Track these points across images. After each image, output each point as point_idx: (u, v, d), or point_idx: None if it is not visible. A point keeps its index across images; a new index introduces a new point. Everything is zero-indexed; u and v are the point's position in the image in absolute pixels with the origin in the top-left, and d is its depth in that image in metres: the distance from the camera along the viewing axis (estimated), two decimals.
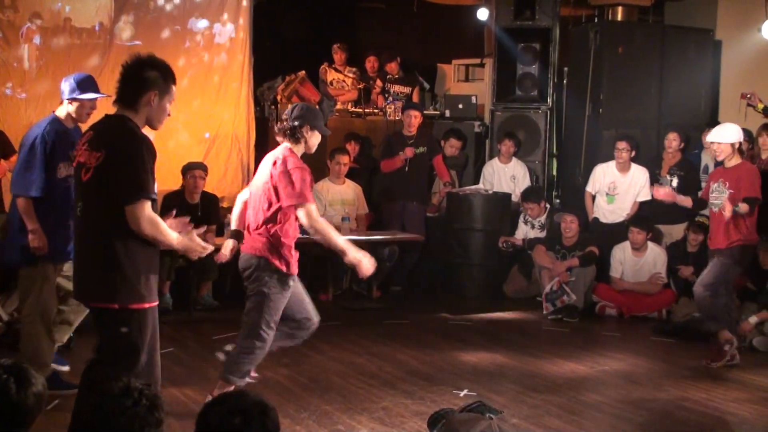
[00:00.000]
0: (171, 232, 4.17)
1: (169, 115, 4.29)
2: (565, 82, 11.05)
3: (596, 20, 10.94)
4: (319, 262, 9.23)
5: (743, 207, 6.83)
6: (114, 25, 9.37)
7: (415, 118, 9.74)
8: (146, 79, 4.15)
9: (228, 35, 10.08)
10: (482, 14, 11.48)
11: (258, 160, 10.39)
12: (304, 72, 11.19)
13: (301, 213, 5.39)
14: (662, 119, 10.08)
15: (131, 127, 4.13)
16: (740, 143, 7.11)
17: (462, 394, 6.16)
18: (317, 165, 9.77)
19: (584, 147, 10.18)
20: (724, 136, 7.04)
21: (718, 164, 7.42)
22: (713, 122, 9.94)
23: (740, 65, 10.51)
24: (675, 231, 9.25)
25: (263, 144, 10.58)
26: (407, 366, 6.93)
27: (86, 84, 5.78)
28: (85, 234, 4.21)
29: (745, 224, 6.98)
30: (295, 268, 5.54)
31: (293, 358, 7.01)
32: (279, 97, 11.03)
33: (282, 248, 5.44)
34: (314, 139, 5.56)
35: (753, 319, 7.79)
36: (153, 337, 4.23)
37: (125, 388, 2.74)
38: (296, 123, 5.46)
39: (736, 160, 7.05)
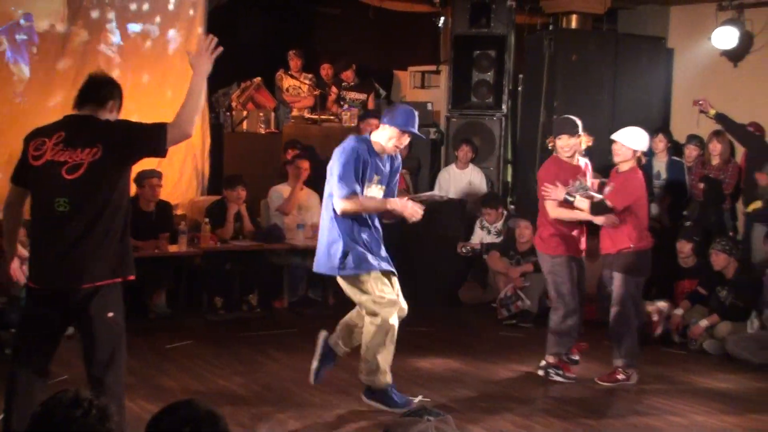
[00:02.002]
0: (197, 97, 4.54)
1: None
2: (520, 89, 11.11)
3: (551, 28, 11.01)
4: (275, 269, 9.21)
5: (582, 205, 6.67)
6: (69, 29, 9.28)
7: (374, 127, 9.70)
8: (114, 89, 4.57)
9: (181, 41, 10.02)
10: (438, 21, 11.52)
11: (212, 167, 10.45)
12: (259, 78, 11.17)
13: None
14: (615, 126, 10.00)
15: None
16: (642, 153, 6.83)
17: (416, 400, 6.16)
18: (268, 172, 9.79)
19: (538, 153, 10.23)
20: (630, 140, 6.73)
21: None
22: (665, 129, 10.08)
23: (692, 73, 10.64)
24: None
25: (218, 151, 10.54)
26: None
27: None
28: (78, 226, 4.36)
29: (626, 231, 6.73)
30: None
31: (248, 366, 6.99)
32: (234, 104, 11.00)
33: None
34: None
35: (703, 323, 7.88)
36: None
37: (74, 398, 2.71)
38: None
39: (629, 165, 6.78)
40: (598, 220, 6.76)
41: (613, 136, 6.85)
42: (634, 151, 6.75)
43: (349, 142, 5.88)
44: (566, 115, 7.18)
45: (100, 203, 4.38)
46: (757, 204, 9.01)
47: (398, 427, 2.84)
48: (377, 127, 9.61)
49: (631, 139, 6.74)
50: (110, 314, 4.52)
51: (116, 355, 4.60)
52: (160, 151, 4.44)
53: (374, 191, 5.91)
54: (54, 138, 4.38)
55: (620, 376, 6.77)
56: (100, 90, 4.52)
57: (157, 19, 9.91)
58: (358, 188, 5.73)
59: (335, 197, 5.72)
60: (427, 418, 2.84)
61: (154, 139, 4.38)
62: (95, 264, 4.41)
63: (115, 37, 9.64)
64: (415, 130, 5.92)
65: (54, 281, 4.43)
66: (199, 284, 8.89)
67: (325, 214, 5.89)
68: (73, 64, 9.28)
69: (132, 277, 4.64)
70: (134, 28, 9.76)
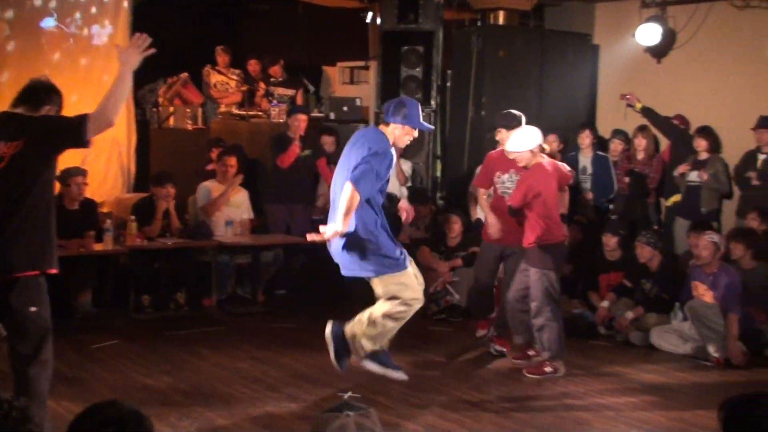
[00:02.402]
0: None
1: None
2: (448, 84, 11.17)
3: (479, 24, 11.08)
4: (203, 267, 9.13)
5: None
6: None
7: (303, 122, 9.69)
8: (54, 94, 4.68)
9: (106, 36, 9.86)
10: (366, 17, 11.52)
11: (139, 164, 10.31)
12: (186, 74, 11.06)
13: None
14: (542, 121, 10.19)
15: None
16: (539, 145, 6.84)
17: (347, 396, 6.13)
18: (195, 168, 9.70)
19: (467, 148, 10.32)
20: (521, 144, 6.79)
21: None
22: (591, 124, 10.22)
23: (617, 69, 10.81)
24: None
25: (145, 147, 10.41)
26: (292, 370, 6.90)
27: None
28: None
29: (532, 225, 6.81)
30: None
31: (175, 365, 6.91)
32: (161, 100, 10.88)
33: None
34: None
35: (629, 315, 8.01)
36: None
37: None
38: None
39: (535, 160, 6.83)
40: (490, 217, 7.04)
41: (506, 148, 6.92)
42: (531, 151, 6.79)
43: (383, 142, 5.67)
44: (510, 110, 7.31)
45: (20, 195, 4.45)
46: (677, 197, 9.20)
47: (319, 424, 2.84)
48: (305, 122, 9.66)
49: (521, 143, 6.81)
50: (32, 309, 4.56)
51: (40, 350, 4.55)
52: (82, 142, 4.45)
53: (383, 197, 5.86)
54: None
55: (547, 369, 6.85)
56: (37, 94, 4.65)
57: (79, 14, 9.74)
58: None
59: (351, 186, 5.44)
60: (346, 414, 2.84)
61: (74, 130, 4.41)
62: (13, 255, 4.44)
63: (41, 31, 9.46)
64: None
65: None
66: (126, 283, 8.76)
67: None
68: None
69: (54, 271, 4.67)
70: (50, 23, 9.56)
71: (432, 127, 6.66)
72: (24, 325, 4.54)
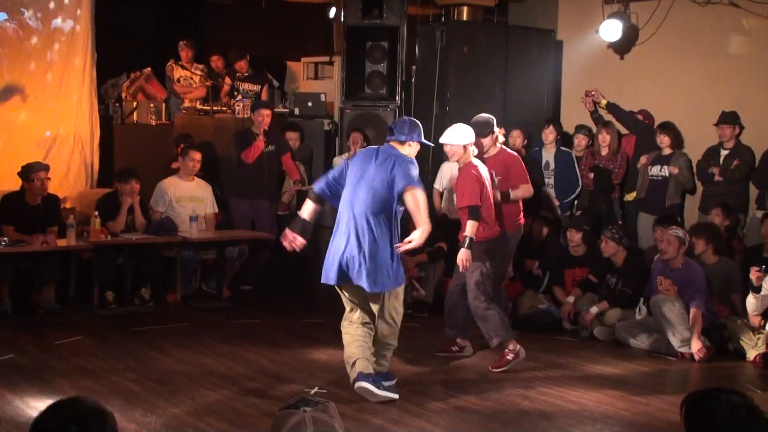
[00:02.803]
0: None
1: None
2: (413, 80, 11.17)
3: (443, 19, 11.10)
4: (167, 262, 9.09)
5: (470, 232, 6.74)
6: None
7: (267, 117, 9.65)
8: None
9: (66, 30, 9.77)
10: (330, 12, 11.50)
11: (102, 159, 10.22)
12: (149, 69, 11.00)
13: None
14: (507, 117, 10.30)
15: None
16: (471, 143, 6.89)
17: (313, 392, 6.15)
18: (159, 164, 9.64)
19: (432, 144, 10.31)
20: (455, 137, 6.86)
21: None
22: (555, 120, 10.28)
23: (580, 64, 10.87)
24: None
25: (108, 143, 10.33)
26: (257, 365, 6.88)
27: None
28: None
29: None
30: None
31: (140, 361, 6.87)
32: (124, 95, 10.81)
33: None
34: None
35: (594, 310, 8.06)
36: None
37: None
38: None
39: (465, 161, 6.88)
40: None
41: (441, 140, 6.99)
42: (464, 147, 6.85)
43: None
44: (482, 114, 7.39)
45: None
46: (633, 195, 9.31)
47: (277, 422, 2.83)
48: (270, 117, 9.63)
49: (456, 136, 6.87)
50: None
51: None
52: None
53: None
54: None
55: (509, 356, 6.88)
56: None
57: (40, 7, 9.64)
58: None
59: (419, 189, 5.85)
60: (303, 409, 2.83)
61: None
62: None
63: None
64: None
65: None
66: (90, 278, 8.70)
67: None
68: None
69: None
70: (1, 16, 9.45)
71: (431, 144, 6.84)
72: None
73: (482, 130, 7.18)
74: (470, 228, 6.70)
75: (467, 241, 6.70)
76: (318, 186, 6.28)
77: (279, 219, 9.90)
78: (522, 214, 7.43)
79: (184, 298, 9.15)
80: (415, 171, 5.93)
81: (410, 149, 6.11)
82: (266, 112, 9.69)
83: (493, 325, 6.87)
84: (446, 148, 6.93)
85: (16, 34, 9.46)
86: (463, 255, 6.70)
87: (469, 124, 7.08)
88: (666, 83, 10.05)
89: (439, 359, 7.24)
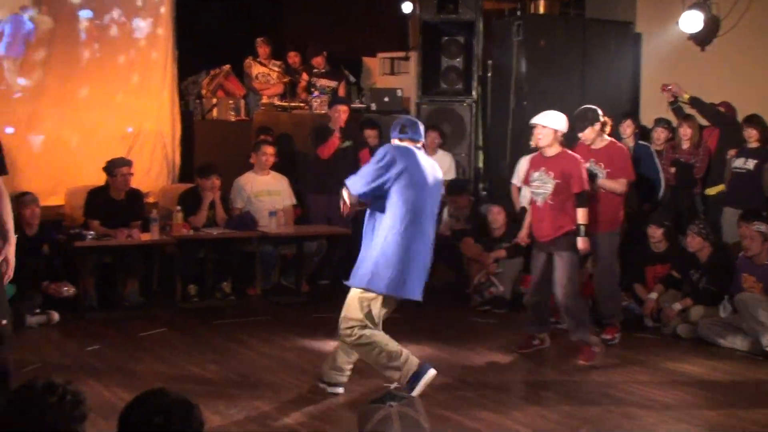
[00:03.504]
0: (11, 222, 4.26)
1: None
2: (489, 75, 11.13)
3: (519, 13, 11.03)
4: (248, 257, 9.20)
5: (583, 219, 6.82)
6: (32, 18, 9.16)
7: (343, 113, 9.70)
8: None
9: (148, 29, 9.93)
10: (406, 8, 11.51)
11: (183, 155, 10.38)
12: (228, 66, 11.12)
13: None
14: None
15: None
16: (563, 133, 6.94)
17: (392, 386, 6.16)
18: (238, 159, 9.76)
19: (509, 139, 10.28)
20: (550, 120, 6.87)
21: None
22: (634, 113, 10.14)
23: (659, 57, 10.70)
24: None
25: (188, 139, 10.48)
26: None
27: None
28: None
29: (573, 211, 6.87)
30: None
31: (222, 354, 6.97)
32: (204, 92, 10.95)
33: None
34: None
35: (677, 306, 7.91)
36: None
37: (49, 384, 2.71)
38: None
39: (556, 149, 6.92)
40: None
41: (532, 120, 6.98)
42: (555, 131, 6.86)
43: None
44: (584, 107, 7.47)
45: None
46: (721, 187, 9.09)
47: (362, 417, 2.85)
48: (346, 113, 9.67)
49: (548, 119, 6.88)
50: None
51: None
52: None
53: None
54: None
55: (596, 350, 7.00)
56: None
57: (124, 6, 9.81)
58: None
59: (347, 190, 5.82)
60: (389, 404, 2.84)
61: None
62: None
63: (82, 24, 9.54)
64: None
65: None
66: (172, 272, 8.85)
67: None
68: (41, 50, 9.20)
69: None
70: (87, 14, 9.62)
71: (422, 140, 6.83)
72: None
73: (581, 125, 7.28)
74: (583, 215, 6.79)
75: (582, 229, 6.76)
76: None
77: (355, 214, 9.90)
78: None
79: (264, 292, 9.25)
80: (364, 169, 5.74)
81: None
82: (343, 108, 9.73)
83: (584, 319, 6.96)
84: (536, 130, 6.93)
85: (100, 32, 9.63)
86: (583, 244, 6.80)
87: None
88: (748, 75, 9.83)
89: (517, 355, 7.21)
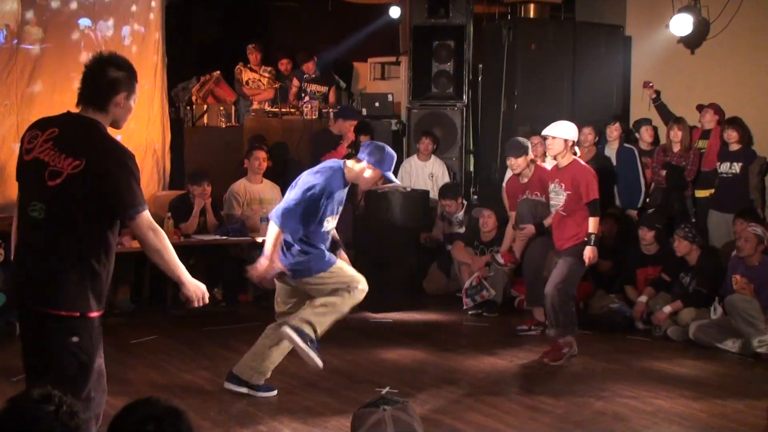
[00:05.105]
0: (175, 255, 4.02)
1: (131, 113, 4.11)
2: (480, 79, 11.15)
3: (509, 17, 11.05)
4: (239, 263, 9.17)
5: (593, 228, 6.84)
6: (21, 29, 9.14)
7: (351, 128, 9.73)
8: (115, 80, 3.92)
9: (138, 36, 9.92)
10: (394, 12, 11.53)
11: (174, 162, 10.37)
12: (219, 72, 11.12)
13: None
14: (575, 114, 10.18)
15: (110, 137, 3.93)
16: (573, 142, 6.97)
17: (384, 391, 6.15)
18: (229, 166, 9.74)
19: (500, 143, 10.28)
20: (559, 131, 6.91)
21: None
22: (624, 116, 10.17)
23: (649, 60, 10.72)
24: None
25: (179, 145, 10.47)
26: (328, 364, 6.84)
27: None
28: (50, 238, 3.85)
29: (585, 221, 6.88)
30: None
31: (214, 360, 6.96)
32: (194, 98, 10.94)
33: None
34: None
35: (667, 309, 7.93)
36: (100, 346, 4.03)
37: (46, 394, 2.71)
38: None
39: (568, 159, 6.96)
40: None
41: (543, 132, 7.04)
42: (565, 141, 6.89)
43: (328, 178, 5.80)
44: (514, 138, 7.91)
45: (78, 220, 3.83)
46: (706, 192, 9.14)
47: (356, 421, 2.86)
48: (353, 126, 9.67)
49: (559, 129, 6.91)
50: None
51: None
52: (125, 216, 3.88)
53: (331, 224, 5.96)
54: (46, 134, 3.89)
55: (565, 350, 7.05)
56: (94, 89, 3.93)
57: (113, 14, 9.80)
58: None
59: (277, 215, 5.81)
60: (383, 408, 2.85)
61: (126, 206, 3.87)
62: (56, 287, 3.85)
63: (75, 34, 9.52)
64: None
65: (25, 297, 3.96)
66: (164, 279, 8.81)
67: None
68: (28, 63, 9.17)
69: (93, 314, 3.92)
70: (86, 23, 9.62)
71: (397, 182, 6.84)
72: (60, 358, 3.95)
73: (516, 153, 7.58)
74: (594, 224, 6.81)
75: (593, 238, 6.77)
76: None
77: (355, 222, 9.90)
78: None
79: (255, 298, 9.23)
80: (291, 193, 5.86)
81: (366, 170, 5.87)
82: (356, 122, 9.78)
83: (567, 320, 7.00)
84: (547, 141, 6.98)
85: (90, 39, 9.62)
86: (591, 253, 6.79)
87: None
88: (738, 78, 9.87)
89: (506, 358, 7.22)
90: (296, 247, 5.85)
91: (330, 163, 6.02)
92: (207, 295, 4.15)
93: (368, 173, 5.87)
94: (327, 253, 5.91)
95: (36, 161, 3.86)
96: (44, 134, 3.90)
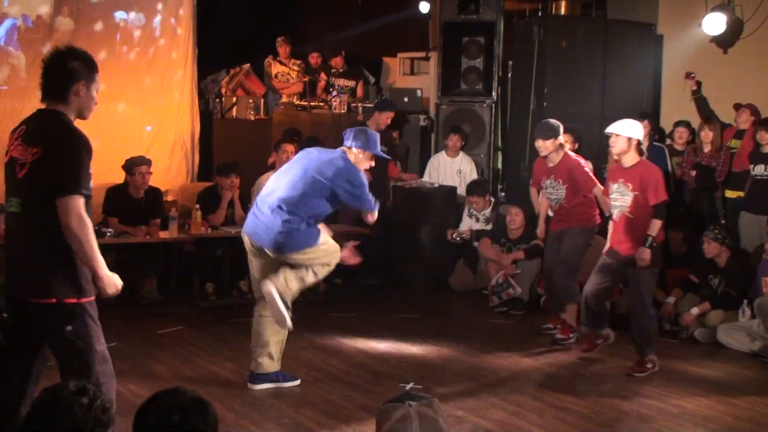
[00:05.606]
0: (96, 246, 4.01)
1: (95, 103, 4.17)
2: (509, 75, 11.11)
3: (540, 14, 11.00)
4: None
5: (654, 231, 6.61)
6: (53, 19, 9.20)
7: (389, 119, 9.70)
8: (71, 71, 4.05)
9: (169, 28, 9.97)
10: (424, 8, 11.49)
11: (202, 154, 10.41)
12: (248, 65, 11.14)
13: None
14: (605, 113, 10.11)
15: (67, 123, 4.04)
16: (639, 141, 6.71)
17: (408, 387, 6.16)
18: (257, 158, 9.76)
19: (529, 140, 10.23)
20: (623, 129, 6.65)
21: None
22: (651, 114, 10.09)
23: (681, 59, 10.62)
24: None
25: (208, 137, 10.52)
26: (353, 359, 6.93)
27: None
28: (25, 230, 4.04)
29: (647, 223, 6.63)
30: None
31: (238, 352, 6.96)
32: (223, 90, 10.97)
33: None
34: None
35: (695, 311, 7.86)
36: (98, 331, 4.17)
37: (82, 387, 2.77)
38: None
39: (633, 158, 6.68)
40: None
41: (607, 130, 6.79)
42: (629, 140, 6.64)
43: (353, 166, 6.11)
44: (546, 119, 7.67)
45: (40, 206, 3.94)
46: (742, 192, 9.03)
47: (381, 415, 2.86)
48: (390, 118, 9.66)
49: (623, 127, 6.67)
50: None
51: None
52: (55, 195, 3.89)
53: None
54: (17, 133, 4.09)
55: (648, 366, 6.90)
56: (51, 81, 4.08)
57: (144, 6, 9.85)
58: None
59: (371, 212, 6.24)
60: (408, 404, 2.84)
61: (57, 186, 3.90)
62: (35, 277, 4.01)
63: (98, 25, 9.57)
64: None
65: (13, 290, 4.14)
66: (190, 270, 8.88)
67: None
68: None
69: (83, 300, 4.07)
70: (121, 15, 9.68)
71: (383, 155, 6.83)
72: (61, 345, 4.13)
73: (544, 134, 7.42)
74: (656, 227, 6.59)
75: (650, 240, 6.57)
76: None
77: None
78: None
79: None
80: (354, 178, 6.05)
81: (360, 157, 6.10)
82: (392, 114, 9.74)
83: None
84: (610, 139, 6.72)
85: (121, 31, 9.67)
86: (646, 255, 6.57)
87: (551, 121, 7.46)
88: None
89: (532, 357, 7.20)
90: (304, 224, 5.93)
91: (336, 153, 6.14)
92: (120, 286, 4.21)
93: (360, 157, 6.10)
94: (317, 229, 6.05)
95: (10, 159, 4.07)
96: (16, 133, 4.10)
